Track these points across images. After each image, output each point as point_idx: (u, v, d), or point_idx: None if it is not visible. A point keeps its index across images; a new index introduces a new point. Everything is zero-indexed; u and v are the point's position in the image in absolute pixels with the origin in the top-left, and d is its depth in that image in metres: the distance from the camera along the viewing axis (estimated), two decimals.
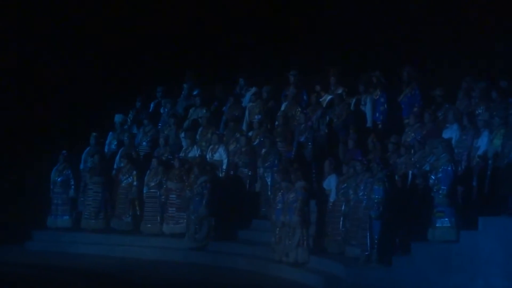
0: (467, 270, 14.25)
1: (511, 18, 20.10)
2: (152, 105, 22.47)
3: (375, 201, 15.09)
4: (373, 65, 19.70)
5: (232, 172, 19.39)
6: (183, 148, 20.39)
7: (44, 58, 24.82)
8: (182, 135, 20.75)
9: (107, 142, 21.49)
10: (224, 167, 19.34)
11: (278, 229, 16.47)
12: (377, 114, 18.72)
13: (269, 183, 18.37)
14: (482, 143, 15.91)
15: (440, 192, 14.74)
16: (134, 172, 19.83)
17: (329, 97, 19.47)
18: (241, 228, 18.51)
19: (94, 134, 21.20)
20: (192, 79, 22.20)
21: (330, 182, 16.54)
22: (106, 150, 21.28)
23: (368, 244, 15.03)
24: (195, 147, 20.29)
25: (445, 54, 20.02)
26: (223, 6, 24.72)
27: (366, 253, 14.92)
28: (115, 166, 20.70)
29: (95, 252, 19.10)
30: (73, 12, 25.92)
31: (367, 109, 18.75)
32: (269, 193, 18.01)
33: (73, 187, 20.58)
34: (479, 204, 15.42)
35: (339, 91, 19.45)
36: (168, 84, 22.81)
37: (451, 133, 16.44)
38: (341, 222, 15.98)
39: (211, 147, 19.77)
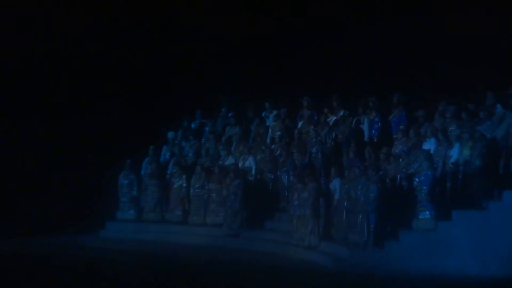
0: (442, 253, 14.48)
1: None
2: (195, 124, 22.31)
3: (371, 198, 15.16)
4: (369, 91, 19.51)
5: (258, 176, 19.37)
6: (221, 158, 20.28)
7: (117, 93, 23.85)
8: (221, 147, 20.70)
9: (162, 153, 21.48)
10: (253, 172, 19.35)
11: (295, 220, 16.54)
12: (373, 131, 18.76)
13: (285, 184, 18.31)
14: (454, 153, 16.03)
15: (422, 191, 15.06)
16: (184, 176, 19.90)
17: (334, 118, 19.36)
18: (266, 219, 18.44)
19: (152, 147, 21.30)
20: (227, 104, 22.12)
21: (335, 184, 16.49)
22: (161, 159, 21.29)
23: (366, 232, 15.07)
24: (230, 157, 20.21)
25: (425, 84, 19.56)
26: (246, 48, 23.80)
27: (364, 239, 14.99)
28: (168, 172, 20.72)
29: (153, 239, 19.16)
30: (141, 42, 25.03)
31: (365, 127, 18.74)
32: (286, 191, 18.06)
33: (135, 188, 20.65)
34: (452, 200, 15.55)
35: (341, 112, 19.24)
36: (209, 107, 22.62)
37: (430, 145, 16.44)
38: (344, 215, 15.94)
39: (242, 157, 19.82)
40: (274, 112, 20.67)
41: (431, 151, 16.03)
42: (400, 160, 16.46)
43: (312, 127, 19.23)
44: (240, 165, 19.56)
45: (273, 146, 19.83)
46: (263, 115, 21.25)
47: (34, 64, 24.20)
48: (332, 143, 18.59)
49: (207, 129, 21.72)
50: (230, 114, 21.70)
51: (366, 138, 18.50)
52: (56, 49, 24.46)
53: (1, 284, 13.50)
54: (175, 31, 24.84)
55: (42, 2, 24.74)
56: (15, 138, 22.37)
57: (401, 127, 17.65)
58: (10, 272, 14.63)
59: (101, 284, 13.39)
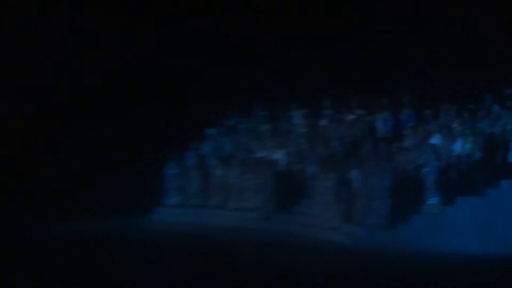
0: (448, 234, 14.89)
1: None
2: (232, 122, 22.37)
3: (385, 186, 15.74)
4: (383, 93, 19.63)
5: (287, 167, 19.55)
6: (255, 151, 20.62)
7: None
8: (254, 142, 21.05)
9: (204, 147, 21.67)
10: (282, 163, 19.65)
11: (319, 205, 16.89)
12: (386, 128, 19.06)
13: (311, 174, 18.36)
14: (458, 147, 16.62)
15: (430, 180, 15.58)
16: (223, 167, 20.18)
17: (353, 116, 19.62)
18: (294, 204, 18.51)
19: (195, 141, 21.52)
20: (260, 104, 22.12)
21: (354, 174, 16.78)
22: (203, 152, 21.38)
23: (381, 215, 15.56)
24: (262, 150, 20.54)
25: (431, 86, 19.71)
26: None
27: (379, 221, 15.46)
28: (209, 163, 20.96)
29: (195, 221, 19.37)
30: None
31: (379, 125, 19.09)
32: (311, 180, 18.17)
33: (181, 177, 20.87)
34: (456, 188, 15.83)
35: (359, 112, 19.56)
36: (244, 106, 22.56)
37: (436, 140, 16.92)
38: (362, 200, 16.25)
39: (273, 150, 20.08)
40: (301, 111, 20.84)
41: (438, 145, 16.54)
42: (410, 153, 16.85)
43: (333, 124, 19.69)
44: (270, 157, 19.87)
45: (299, 141, 20.03)
46: (290, 113, 21.35)
47: (102, 72, 23.87)
48: (351, 138, 18.77)
49: (242, 126, 21.97)
50: (262, 113, 21.86)
51: (380, 134, 18.79)
52: (114, 55, 23.95)
53: (74, 260, 13.52)
54: (215, 33, 24.34)
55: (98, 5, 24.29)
56: (88, 134, 22.36)
57: (411, 124, 18.05)
58: (77, 252, 14.88)
59: (151, 258, 13.64)
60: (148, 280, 11.30)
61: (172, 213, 20.66)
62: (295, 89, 21.85)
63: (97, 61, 23.66)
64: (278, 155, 19.81)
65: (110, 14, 24.10)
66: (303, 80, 21.80)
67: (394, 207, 15.54)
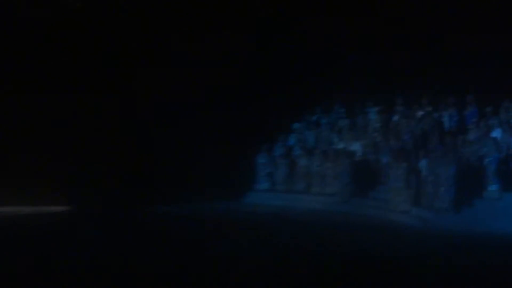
0: (506, 218, 14.78)
1: None
2: (315, 117, 22.56)
3: (450, 174, 15.69)
4: (449, 92, 19.50)
5: (363, 157, 19.79)
6: (335, 143, 20.83)
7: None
8: (334, 135, 21.26)
9: (290, 139, 21.96)
10: (359, 154, 19.97)
11: (392, 191, 17.04)
12: (452, 123, 19.11)
13: (384, 163, 18.43)
14: None
15: (491, 169, 15.65)
16: (307, 157, 20.49)
17: (422, 112, 19.62)
18: (370, 190, 18.74)
19: (282, 134, 21.83)
20: (340, 101, 22.33)
21: (423, 163, 16.86)
22: (289, 144, 21.73)
23: (447, 200, 15.53)
24: (341, 142, 20.75)
25: (493, 85, 19.04)
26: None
27: (445, 205, 15.44)
28: (295, 153, 21.24)
29: (283, 204, 19.61)
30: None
31: (445, 120, 19.13)
32: (385, 169, 18.27)
33: (270, 166, 21.26)
34: None
35: (428, 108, 19.55)
36: (326, 104, 22.82)
37: (496, 134, 16.89)
38: (430, 187, 16.23)
39: (351, 142, 20.33)
40: (376, 108, 20.94)
41: (498, 139, 16.50)
42: (473, 145, 16.87)
43: (404, 119, 19.64)
44: (349, 148, 20.10)
45: (374, 134, 20.15)
46: (367, 110, 21.38)
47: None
48: (420, 132, 18.71)
49: (324, 121, 22.10)
50: (341, 110, 21.98)
51: (446, 128, 18.74)
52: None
53: (184, 234, 14.17)
54: (300, 37, 23.61)
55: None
56: (195, 130, 22.27)
57: (474, 120, 18.01)
58: (187, 228, 15.67)
59: (244, 235, 14.06)
60: (241, 252, 11.81)
61: (262, 197, 20.79)
62: (371, 88, 21.71)
63: (206, 66, 23.25)
64: (355, 147, 20.03)
65: (216, 23, 23.73)
66: (378, 80, 21.70)
67: (458, 193, 15.60)
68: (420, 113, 19.63)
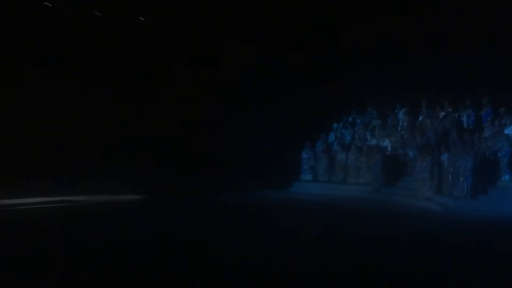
0: None
1: None
2: (351, 118, 22.77)
3: (468, 166, 15.64)
4: (467, 95, 19.45)
5: (393, 152, 19.78)
6: (368, 140, 21.02)
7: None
8: (368, 133, 21.38)
9: (330, 137, 22.09)
10: (389, 149, 19.98)
11: (417, 181, 17.03)
12: (469, 121, 19.20)
13: (411, 157, 18.65)
14: None
15: (504, 162, 15.77)
16: (344, 152, 20.65)
17: (443, 113, 19.57)
18: (398, 180, 18.69)
19: (323, 133, 21.83)
20: (372, 104, 22.51)
21: (445, 157, 16.90)
22: (329, 141, 21.83)
23: (465, 188, 15.53)
24: (374, 139, 20.88)
25: (507, 88, 18.38)
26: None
27: (464, 193, 15.46)
28: (334, 149, 21.31)
29: (323, 193, 19.51)
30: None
31: (464, 119, 19.23)
32: (411, 162, 18.41)
33: (312, 159, 21.26)
34: None
35: (449, 109, 19.54)
36: (361, 106, 22.98)
37: (509, 131, 16.86)
38: (450, 177, 16.25)
39: (382, 139, 20.41)
40: (404, 109, 21.04)
41: (510, 135, 16.45)
42: (488, 141, 16.86)
43: (428, 119, 19.67)
44: (380, 144, 20.20)
45: (402, 132, 20.18)
46: (396, 111, 21.49)
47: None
48: (441, 130, 18.66)
49: (359, 121, 22.31)
50: (374, 112, 22.15)
51: (465, 127, 18.77)
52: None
53: (243, 219, 14.02)
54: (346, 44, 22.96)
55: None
56: (250, 127, 22.15)
57: (489, 119, 18.04)
58: (239, 215, 15.49)
59: (291, 219, 14.08)
60: (289, 233, 11.75)
61: (306, 187, 20.80)
62: (399, 92, 21.48)
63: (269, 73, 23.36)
64: (386, 143, 20.08)
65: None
66: (405, 85, 21.17)
67: (475, 183, 15.57)
68: (442, 113, 19.57)
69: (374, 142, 20.47)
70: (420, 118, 20.03)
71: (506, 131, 16.73)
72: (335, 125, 22.39)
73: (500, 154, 15.93)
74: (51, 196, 17.38)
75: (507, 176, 15.67)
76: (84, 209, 16.28)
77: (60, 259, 9.13)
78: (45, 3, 22.01)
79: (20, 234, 11.73)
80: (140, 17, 23.97)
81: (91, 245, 10.25)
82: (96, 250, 9.94)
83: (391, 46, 21.94)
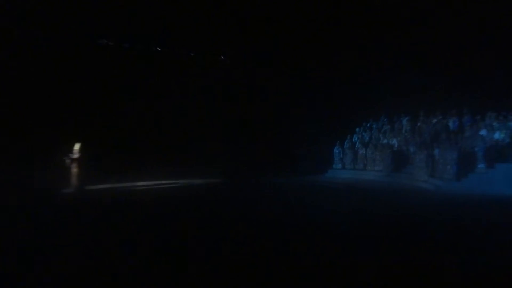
0: (489, 185, 14.77)
1: None
2: (368, 124, 22.00)
3: (454, 157, 15.53)
4: (452, 106, 18.75)
5: (399, 148, 19.36)
6: (381, 140, 20.60)
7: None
8: (380, 135, 20.89)
9: (354, 137, 21.59)
10: (395, 146, 19.61)
11: (416, 168, 16.95)
12: (455, 126, 18.57)
13: (412, 151, 18.20)
14: (496, 136, 16.46)
15: (479, 154, 15.50)
16: (364, 148, 20.44)
17: (435, 119, 19.07)
18: (403, 168, 18.52)
19: (349, 135, 21.37)
20: (384, 116, 21.67)
21: (436, 151, 16.45)
22: (353, 140, 21.37)
23: (451, 173, 15.54)
24: (385, 139, 20.41)
25: (481, 100, 18.30)
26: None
27: (450, 177, 15.42)
28: (356, 146, 20.97)
29: (350, 177, 19.49)
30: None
31: (451, 124, 18.63)
32: (412, 155, 18.02)
33: (341, 154, 21.17)
34: (494, 159, 15.73)
35: (440, 117, 18.89)
36: (376, 115, 21.95)
37: (483, 132, 16.40)
38: (440, 165, 16.17)
39: (391, 139, 20.15)
40: (406, 118, 20.70)
41: (484, 136, 16.34)
42: (468, 139, 16.50)
43: (424, 124, 19.37)
44: (389, 142, 19.96)
45: (405, 134, 19.81)
46: (401, 119, 20.97)
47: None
48: (434, 132, 18.34)
49: (374, 126, 21.82)
50: (385, 119, 21.60)
51: (451, 129, 18.36)
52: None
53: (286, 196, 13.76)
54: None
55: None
56: (297, 128, 21.81)
57: (469, 124, 17.71)
58: (288, 193, 15.14)
59: (325, 197, 13.98)
60: (322, 208, 11.47)
61: (337, 173, 20.69)
62: (403, 105, 20.59)
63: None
64: (394, 141, 19.80)
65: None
66: (408, 99, 20.44)
67: (458, 169, 15.52)
68: (434, 120, 19.28)
69: (385, 141, 20.14)
70: (419, 124, 19.69)
71: (481, 133, 16.64)
72: (357, 129, 21.90)
73: (476, 149, 15.83)
74: (167, 180, 17.13)
75: (482, 164, 15.56)
76: (191, 188, 16.04)
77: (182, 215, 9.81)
78: None
79: (158, 199, 12.40)
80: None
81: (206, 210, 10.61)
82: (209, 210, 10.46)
83: (398, 74, 21.07)
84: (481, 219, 9.92)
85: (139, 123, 20.22)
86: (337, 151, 21.12)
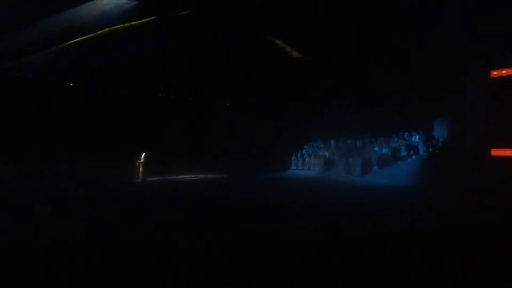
0: (380, 178, 14.36)
1: None
2: (312, 143, 20.23)
3: (359, 163, 15.89)
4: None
5: (329, 157, 18.22)
6: (319, 152, 19.05)
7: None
8: (319, 150, 19.25)
9: (303, 151, 20.08)
10: (327, 157, 18.43)
11: (338, 168, 16.42)
12: (359, 146, 17.80)
13: (336, 159, 17.17)
14: (383, 151, 16.29)
15: (375, 161, 15.70)
16: (309, 157, 19.19)
17: (349, 141, 18.28)
18: (331, 168, 17.33)
19: (300, 150, 19.73)
20: (322, 139, 19.64)
21: (350, 160, 16.22)
22: (303, 152, 19.81)
23: (359, 172, 15.52)
24: (320, 152, 19.35)
25: (372, 133, 16.98)
26: None
27: (358, 174, 15.45)
28: (305, 156, 19.42)
29: (300, 174, 18.10)
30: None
31: (352, 146, 17.88)
32: (337, 161, 17.17)
33: (296, 160, 19.70)
34: (383, 163, 15.44)
35: (352, 139, 17.97)
36: (320, 139, 19.77)
37: (377, 149, 16.58)
38: (353, 168, 15.93)
39: (324, 152, 19.00)
40: (333, 139, 19.15)
41: (377, 151, 16.47)
42: (367, 153, 16.55)
43: (343, 144, 18.70)
44: (323, 154, 18.97)
45: (332, 149, 18.50)
46: (329, 140, 19.04)
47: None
48: (348, 148, 17.89)
49: (314, 144, 20.01)
50: (320, 140, 20.10)
51: (358, 147, 17.77)
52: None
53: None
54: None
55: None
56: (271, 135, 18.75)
57: (368, 143, 17.00)
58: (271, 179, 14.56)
59: (287, 187, 12.75)
60: (278, 197, 10.28)
61: (293, 171, 19.45)
62: (331, 132, 18.85)
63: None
64: (325, 153, 19.26)
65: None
66: (334, 127, 18.01)
67: (364, 168, 15.99)
68: (348, 141, 18.32)
69: (320, 153, 19.58)
70: (340, 143, 18.94)
71: (375, 149, 16.67)
72: (305, 146, 20.76)
73: (372, 158, 16.25)
74: (191, 174, 16.11)
75: (376, 167, 15.93)
76: (209, 180, 14.79)
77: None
78: None
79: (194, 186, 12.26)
80: None
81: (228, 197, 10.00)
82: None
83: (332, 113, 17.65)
84: (373, 197, 10.57)
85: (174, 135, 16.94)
86: (293, 158, 20.25)
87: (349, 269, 4.13)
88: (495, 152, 11.68)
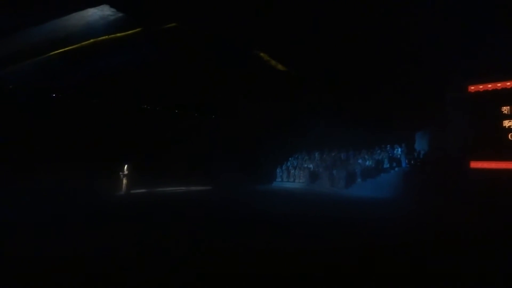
0: (364, 190, 14.43)
1: None
2: (297, 156, 19.80)
3: (343, 175, 15.90)
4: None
5: (316, 169, 17.97)
6: (305, 164, 18.95)
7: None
8: (304, 162, 19.17)
9: (288, 163, 19.90)
10: (312, 168, 18.18)
11: (323, 181, 16.49)
12: (345, 158, 17.72)
13: (321, 171, 17.16)
14: (366, 163, 16.07)
15: (359, 173, 15.63)
16: (293, 169, 18.74)
17: (333, 153, 18.02)
18: (316, 180, 17.26)
19: (285, 163, 19.60)
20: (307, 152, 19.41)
21: (335, 172, 16.12)
22: (288, 165, 19.61)
23: (343, 184, 15.57)
24: (305, 164, 19.02)
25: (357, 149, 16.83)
26: None
27: (342, 186, 15.56)
28: (290, 168, 19.30)
29: (285, 186, 18.14)
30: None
31: (340, 158, 17.65)
32: (322, 173, 17.08)
33: (281, 173, 19.37)
34: (367, 175, 15.48)
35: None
36: (305, 153, 19.70)
37: (360, 161, 16.36)
38: (337, 180, 15.88)
39: (308, 164, 18.86)
40: (317, 152, 18.95)
41: (361, 163, 16.35)
42: (351, 165, 16.33)
43: (327, 156, 18.57)
44: (308, 166, 18.67)
45: (317, 161, 18.48)
46: (314, 153, 18.80)
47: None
48: (333, 160, 17.65)
49: (299, 157, 19.77)
50: (305, 153, 19.52)
51: (342, 159, 17.86)
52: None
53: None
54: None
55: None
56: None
57: (352, 156, 17.26)
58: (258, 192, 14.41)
59: (271, 199, 12.63)
60: (271, 206, 10.61)
61: (279, 184, 19.29)
62: (315, 145, 18.80)
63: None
64: (310, 166, 18.94)
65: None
66: (319, 140, 17.81)
67: (347, 182, 15.95)
68: (333, 153, 18.20)
69: (305, 165, 19.34)
70: (324, 156, 18.87)
71: (359, 161, 16.53)
72: (290, 158, 20.57)
73: (356, 170, 16.21)
74: (175, 187, 15.93)
75: (359, 179, 15.86)
76: (192, 193, 14.55)
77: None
78: None
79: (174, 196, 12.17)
80: None
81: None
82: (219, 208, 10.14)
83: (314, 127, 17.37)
84: (357, 207, 10.96)
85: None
86: (278, 171, 20.11)
87: (332, 280, 4.36)
88: (474, 164, 11.98)
